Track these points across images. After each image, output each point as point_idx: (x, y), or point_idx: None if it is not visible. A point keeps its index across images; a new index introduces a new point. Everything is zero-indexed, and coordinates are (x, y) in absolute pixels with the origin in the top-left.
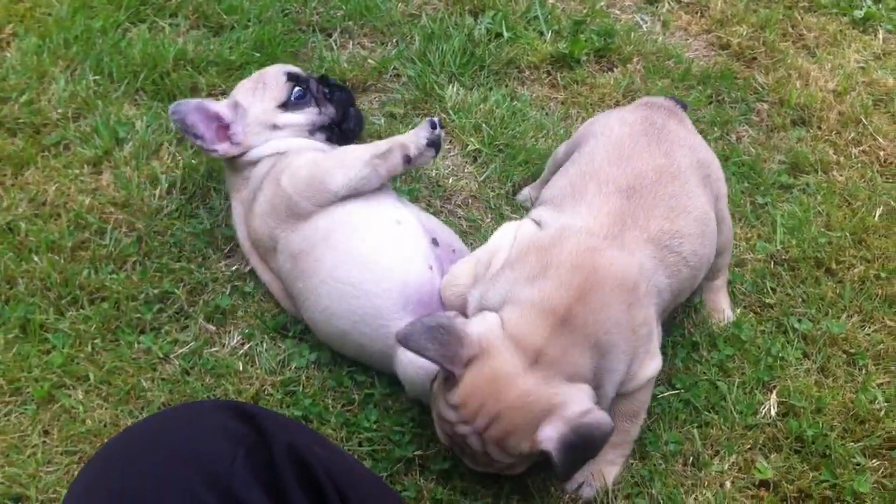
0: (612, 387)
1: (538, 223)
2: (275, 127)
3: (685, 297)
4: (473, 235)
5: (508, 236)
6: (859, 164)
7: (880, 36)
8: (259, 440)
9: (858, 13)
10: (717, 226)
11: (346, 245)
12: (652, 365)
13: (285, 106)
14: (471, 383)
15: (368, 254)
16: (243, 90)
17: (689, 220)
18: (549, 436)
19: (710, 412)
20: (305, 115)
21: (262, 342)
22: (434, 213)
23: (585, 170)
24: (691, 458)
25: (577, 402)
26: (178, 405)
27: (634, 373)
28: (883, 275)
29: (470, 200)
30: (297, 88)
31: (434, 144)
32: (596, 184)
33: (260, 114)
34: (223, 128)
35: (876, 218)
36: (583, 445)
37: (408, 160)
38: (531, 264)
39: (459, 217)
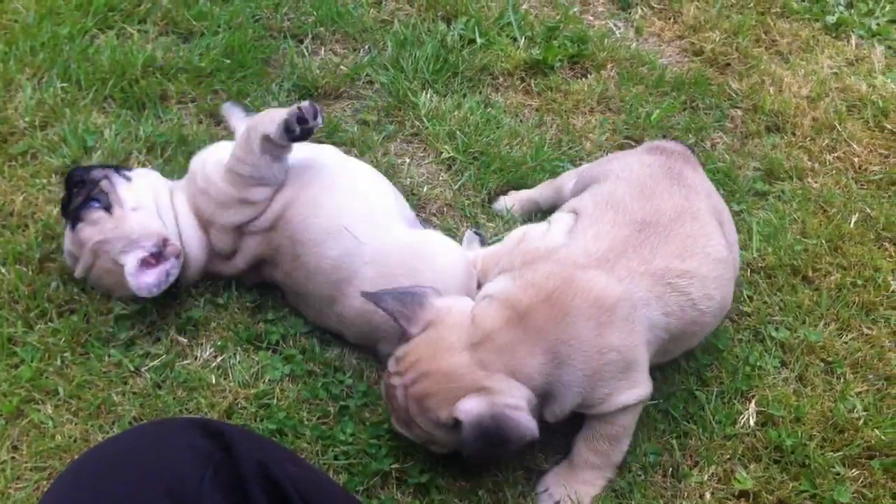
0: (567, 403)
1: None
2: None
3: (696, 342)
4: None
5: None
6: (834, 171)
7: (853, 42)
8: (227, 458)
9: (831, 19)
10: None
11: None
12: (631, 393)
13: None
14: (415, 342)
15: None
16: None
17: (706, 262)
18: (468, 408)
19: (688, 422)
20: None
21: (235, 354)
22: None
23: (609, 199)
24: (671, 469)
25: (509, 396)
26: (146, 423)
27: (605, 396)
28: (859, 282)
29: (445, 209)
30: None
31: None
32: (614, 213)
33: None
34: None
35: (851, 225)
36: (496, 436)
37: (268, 139)
38: (517, 262)
39: (435, 226)
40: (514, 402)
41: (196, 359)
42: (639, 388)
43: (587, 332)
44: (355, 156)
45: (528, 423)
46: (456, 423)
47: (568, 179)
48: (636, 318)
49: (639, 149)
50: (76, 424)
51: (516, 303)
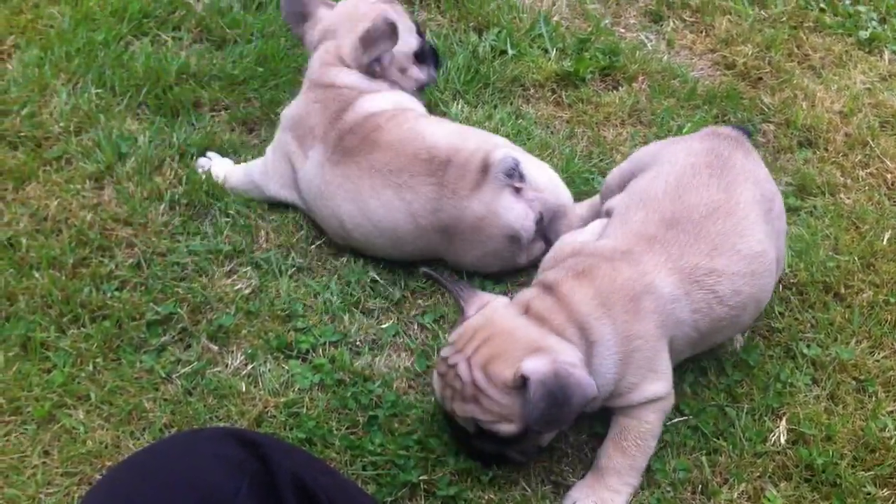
0: (601, 389)
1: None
2: (402, 73)
3: (728, 336)
4: None
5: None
6: (867, 187)
7: (886, 57)
8: (262, 469)
9: (864, 34)
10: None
11: None
12: (655, 386)
13: (417, 57)
14: (469, 321)
15: None
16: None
17: (736, 259)
18: (534, 367)
19: (718, 439)
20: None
21: (265, 362)
22: None
23: (643, 196)
24: (700, 486)
25: (567, 354)
26: (179, 432)
27: (633, 386)
28: (892, 300)
29: None
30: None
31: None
32: (645, 211)
33: (398, 55)
34: None
35: (884, 242)
36: (560, 394)
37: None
38: (548, 264)
39: None
40: (573, 360)
41: (227, 366)
42: (663, 382)
43: (616, 315)
44: None
45: (588, 380)
46: (523, 384)
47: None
48: (663, 313)
49: (694, 134)
50: (107, 430)
51: (545, 280)
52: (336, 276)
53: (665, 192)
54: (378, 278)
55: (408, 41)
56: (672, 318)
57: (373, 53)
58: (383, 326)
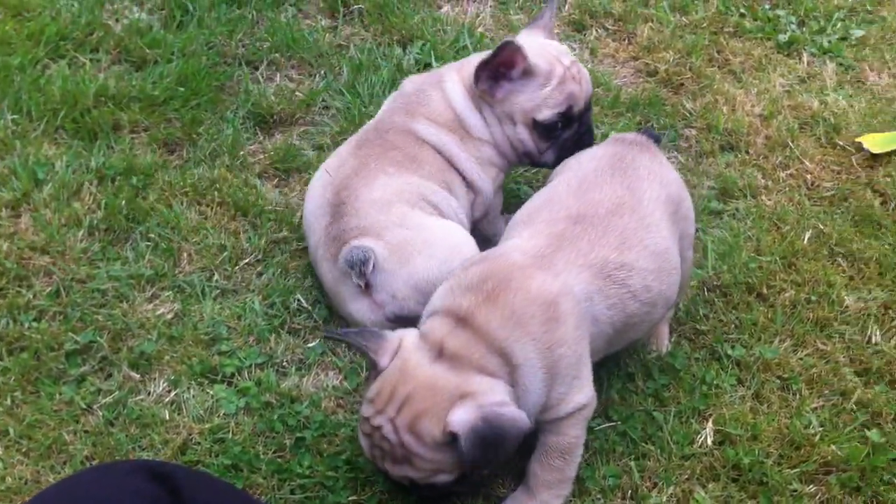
0: (532, 409)
1: None
2: (510, 122)
3: (641, 333)
4: None
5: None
6: (787, 188)
7: (804, 59)
8: (174, 502)
9: (783, 37)
10: (682, 252)
11: None
12: (581, 395)
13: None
14: (383, 376)
15: None
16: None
17: (644, 254)
18: (460, 419)
19: (646, 443)
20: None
21: (189, 388)
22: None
23: (545, 201)
24: (630, 492)
25: (493, 393)
26: (91, 467)
27: (563, 396)
28: (813, 298)
29: None
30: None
31: None
32: (549, 211)
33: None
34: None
35: (805, 241)
36: (493, 438)
37: None
38: (458, 277)
39: None
40: (499, 398)
41: (149, 394)
42: (587, 389)
43: (536, 330)
44: (308, 181)
45: (519, 415)
46: (453, 438)
47: None
48: (580, 313)
49: (601, 143)
50: (27, 465)
51: (457, 309)
52: (261, 296)
53: (568, 192)
54: (303, 298)
55: (538, 103)
56: (588, 315)
57: (484, 81)
58: (310, 345)
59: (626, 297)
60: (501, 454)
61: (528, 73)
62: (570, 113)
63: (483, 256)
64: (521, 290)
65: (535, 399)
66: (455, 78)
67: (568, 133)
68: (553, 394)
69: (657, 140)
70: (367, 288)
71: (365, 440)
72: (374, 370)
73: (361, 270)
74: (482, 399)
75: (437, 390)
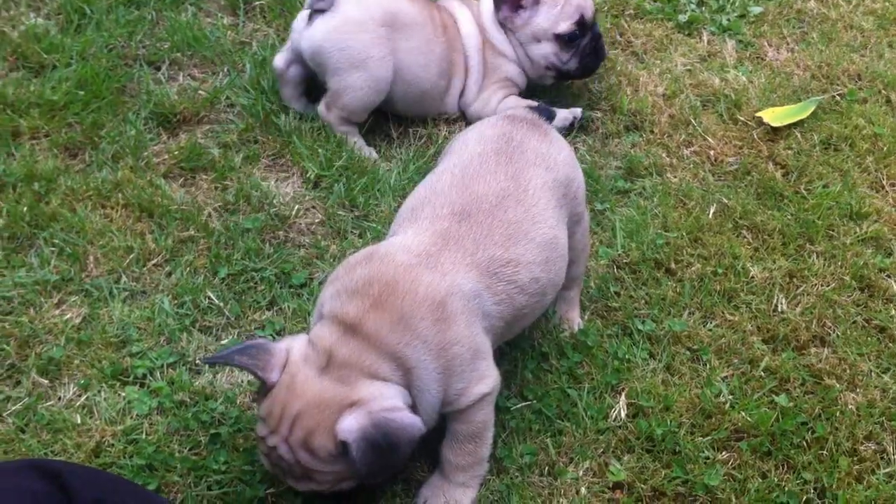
0: (431, 407)
1: None
2: (535, 42)
3: (532, 320)
4: (318, 263)
5: None
6: (691, 165)
7: (704, 38)
8: (64, 499)
9: (683, 17)
10: (575, 238)
11: None
12: (484, 383)
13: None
14: (273, 392)
15: None
16: None
17: (531, 247)
18: (349, 427)
19: (562, 420)
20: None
21: (100, 392)
22: (278, 244)
23: (429, 192)
24: (546, 468)
25: (384, 399)
26: None
27: (462, 391)
28: (720, 271)
29: (316, 227)
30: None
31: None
32: (432, 207)
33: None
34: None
35: (710, 216)
36: (385, 444)
37: None
38: (341, 272)
39: (305, 245)
40: (390, 403)
41: (59, 399)
42: (489, 378)
43: (427, 332)
44: (214, 179)
45: (411, 420)
46: (345, 447)
47: None
48: (470, 310)
49: (490, 119)
50: None
51: (344, 316)
52: (170, 296)
53: (451, 184)
54: (214, 295)
55: (555, 19)
56: (478, 312)
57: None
58: (223, 343)
59: (514, 291)
60: (396, 460)
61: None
62: (583, 21)
63: (368, 256)
64: (408, 292)
65: (433, 398)
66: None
67: (585, 40)
68: (451, 390)
69: (549, 117)
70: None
71: (265, 459)
72: (263, 386)
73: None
74: (372, 405)
75: (325, 404)
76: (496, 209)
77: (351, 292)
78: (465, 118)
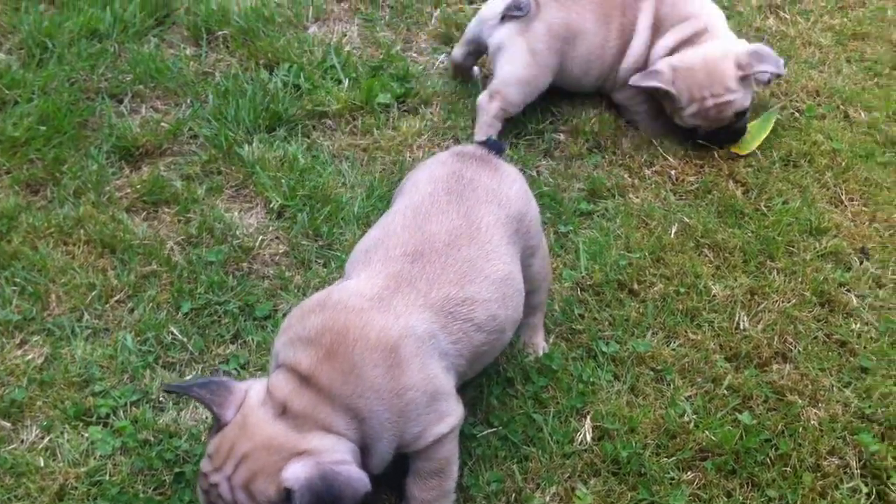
0: (384, 453)
1: None
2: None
3: (494, 356)
4: (282, 295)
5: None
6: (653, 185)
7: None
8: None
9: None
10: (533, 269)
11: None
12: (443, 424)
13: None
14: (225, 430)
15: None
16: None
17: (486, 284)
18: (296, 475)
19: (528, 446)
20: None
21: (63, 433)
22: (241, 276)
23: (381, 234)
24: (514, 495)
25: (332, 452)
26: None
27: (419, 434)
28: (682, 290)
29: (279, 258)
30: None
31: None
32: (385, 249)
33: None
34: None
35: (672, 235)
36: (329, 497)
37: None
38: (294, 318)
39: (269, 277)
40: (339, 457)
41: (22, 442)
42: (449, 417)
43: (379, 380)
44: (177, 212)
45: (358, 476)
46: (289, 496)
47: None
48: (425, 352)
49: (440, 155)
50: None
51: (297, 366)
52: (133, 332)
53: (404, 226)
54: (177, 330)
55: (686, 111)
56: (434, 353)
57: None
58: (186, 379)
59: (471, 329)
60: None
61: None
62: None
63: (321, 303)
64: (360, 339)
65: (386, 446)
66: None
67: (702, 129)
68: (407, 435)
69: (500, 151)
70: None
71: (202, 495)
72: (217, 423)
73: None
74: (322, 457)
75: (274, 449)
76: (449, 248)
77: (304, 341)
78: (435, 144)
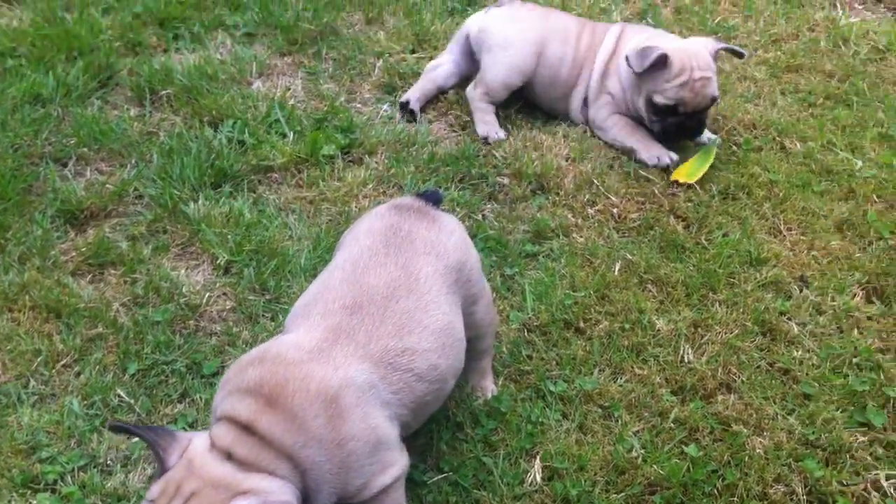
0: (326, 502)
1: None
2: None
3: (439, 405)
4: (230, 351)
5: None
6: (596, 224)
7: None
8: None
9: None
10: (476, 316)
11: None
12: (386, 475)
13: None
14: (170, 473)
15: None
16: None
17: (425, 335)
18: None
19: (479, 490)
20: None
21: (10, 502)
22: (188, 334)
23: (321, 288)
24: None
25: (278, 493)
26: None
27: (362, 486)
28: (627, 326)
29: (226, 314)
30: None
31: None
32: (324, 303)
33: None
34: None
35: (616, 273)
36: None
37: None
38: (232, 373)
39: (217, 333)
40: (285, 498)
41: None
42: (393, 468)
43: (321, 430)
44: (123, 273)
45: None
46: None
47: None
48: (366, 402)
49: (379, 209)
50: None
51: (237, 416)
52: (80, 396)
53: (342, 280)
54: (123, 392)
55: (661, 89)
56: (375, 403)
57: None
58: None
59: (411, 380)
60: None
61: (664, 63)
62: (675, 109)
63: (260, 357)
64: (300, 390)
65: (329, 493)
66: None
67: (672, 119)
68: (350, 487)
69: (437, 201)
70: None
71: None
72: (160, 468)
73: None
74: (267, 497)
75: (222, 486)
76: (388, 300)
77: (244, 392)
78: (380, 192)
